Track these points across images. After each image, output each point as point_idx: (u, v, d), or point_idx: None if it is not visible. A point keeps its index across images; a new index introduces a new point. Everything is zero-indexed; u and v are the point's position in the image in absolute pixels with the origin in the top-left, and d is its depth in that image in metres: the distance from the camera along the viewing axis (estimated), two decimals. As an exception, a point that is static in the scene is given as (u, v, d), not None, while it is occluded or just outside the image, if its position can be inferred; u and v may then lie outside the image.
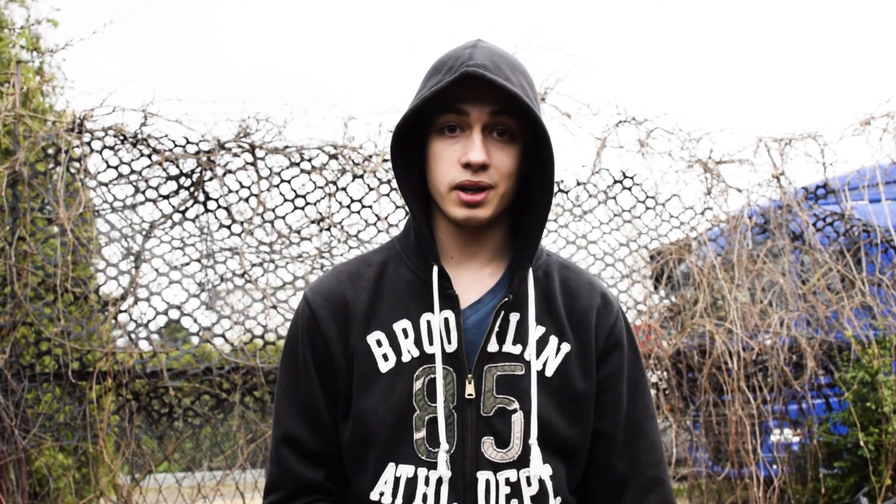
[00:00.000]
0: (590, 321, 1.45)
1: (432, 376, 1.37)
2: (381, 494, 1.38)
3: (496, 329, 1.39)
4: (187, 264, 4.26)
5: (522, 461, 1.37)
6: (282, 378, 1.46)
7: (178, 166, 4.33)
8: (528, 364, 1.40)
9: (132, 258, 4.12)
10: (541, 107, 1.45)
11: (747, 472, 4.48)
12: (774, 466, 4.68)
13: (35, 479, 4.35)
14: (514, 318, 1.41)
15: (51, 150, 4.12)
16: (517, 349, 1.40)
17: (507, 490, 1.36)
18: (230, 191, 4.42)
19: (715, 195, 5.31)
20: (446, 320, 1.39)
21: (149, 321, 4.06)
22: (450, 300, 1.39)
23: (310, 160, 4.57)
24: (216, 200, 4.40)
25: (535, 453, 1.36)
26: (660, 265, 5.12)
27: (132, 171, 4.27)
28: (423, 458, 1.36)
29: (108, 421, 3.82)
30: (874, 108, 5.47)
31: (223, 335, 4.19)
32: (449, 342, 1.38)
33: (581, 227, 5.09)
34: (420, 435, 1.36)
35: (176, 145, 4.32)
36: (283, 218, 4.53)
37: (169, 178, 4.33)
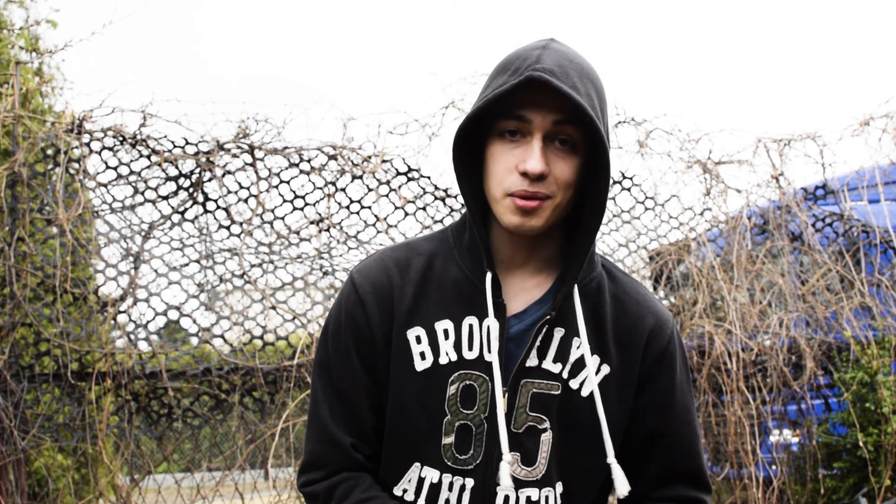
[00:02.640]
0: (638, 344, 1.40)
1: (468, 382, 1.35)
2: (405, 491, 1.38)
3: (537, 344, 1.36)
4: (186, 265, 4.26)
5: (546, 481, 1.36)
6: (321, 358, 1.44)
7: (177, 167, 4.33)
8: (566, 383, 1.37)
9: (131, 259, 4.12)
10: (608, 115, 1.39)
11: (746, 473, 4.48)
12: (774, 467, 4.68)
13: (34, 479, 4.35)
14: (559, 334, 1.37)
15: (50, 151, 4.12)
16: (557, 367, 1.37)
17: None
18: (229, 192, 4.43)
19: (714, 196, 5.31)
20: (489, 328, 1.35)
21: (148, 322, 4.06)
22: (497, 308, 1.35)
23: (309, 161, 4.57)
24: (215, 201, 4.40)
25: (617, 472, 1.36)
26: (659, 266, 5.12)
27: (131, 172, 4.27)
28: (450, 463, 1.35)
29: (108, 422, 3.82)
30: (873, 109, 5.48)
31: (222, 336, 4.19)
32: (489, 351, 1.35)
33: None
34: (448, 440, 1.35)
35: (175, 146, 4.32)
36: (283, 219, 4.53)
37: (168, 178, 4.33)
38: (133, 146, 4.26)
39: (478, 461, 1.35)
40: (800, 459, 4.75)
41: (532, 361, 1.36)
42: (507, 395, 1.34)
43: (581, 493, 1.40)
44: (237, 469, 4.05)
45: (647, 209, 5.24)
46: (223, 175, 4.40)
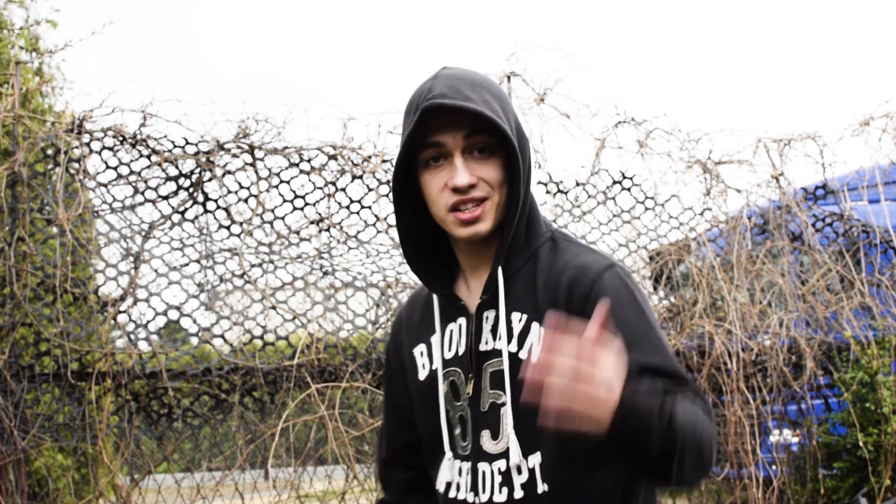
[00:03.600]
0: (562, 296, 1.46)
1: (451, 378, 1.55)
2: (448, 485, 1.57)
3: (486, 328, 1.52)
4: (186, 265, 4.26)
5: (513, 452, 1.48)
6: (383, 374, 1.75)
7: (177, 167, 4.33)
8: (514, 356, 1.49)
9: (131, 259, 4.12)
10: (512, 110, 1.54)
11: (746, 473, 4.48)
12: (774, 467, 4.68)
13: (34, 479, 4.35)
14: (500, 313, 1.51)
15: (50, 151, 4.12)
16: (505, 344, 1.49)
17: (500, 479, 1.49)
18: (229, 191, 4.43)
19: (714, 196, 5.31)
20: (460, 327, 1.56)
21: (148, 322, 4.06)
22: (459, 310, 1.56)
23: (309, 161, 4.57)
24: (215, 201, 4.40)
25: (513, 443, 1.47)
26: (659, 266, 5.12)
27: (131, 172, 4.27)
28: (459, 452, 1.55)
29: (108, 421, 3.83)
30: (873, 109, 5.48)
31: (222, 336, 4.19)
32: (460, 346, 1.55)
33: (580, 227, 5.09)
34: (457, 431, 1.55)
35: (175, 146, 4.32)
36: (283, 219, 4.53)
37: (168, 178, 4.33)
38: (133, 146, 4.26)
39: (469, 445, 1.53)
40: (800, 459, 4.75)
41: (486, 345, 1.52)
42: (472, 381, 1.51)
43: (566, 461, 1.44)
44: (237, 469, 4.05)
45: (647, 209, 5.23)
46: (223, 175, 4.40)
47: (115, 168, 4.25)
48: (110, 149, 4.25)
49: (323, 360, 4.05)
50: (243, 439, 4.10)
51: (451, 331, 1.57)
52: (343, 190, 4.64)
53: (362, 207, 4.65)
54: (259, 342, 4.20)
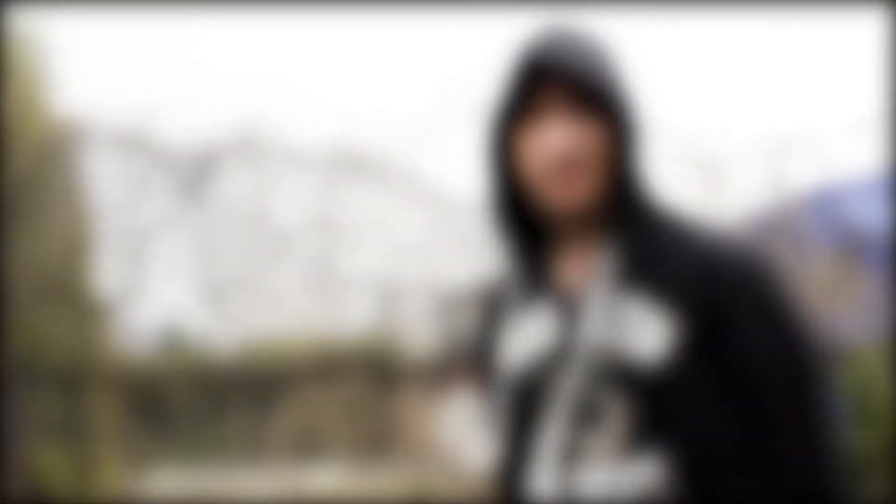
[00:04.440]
0: (687, 294, 1.25)
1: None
2: None
3: (599, 313, 1.28)
4: (187, 265, 4.27)
5: None
6: None
7: (177, 167, 4.34)
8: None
9: (132, 259, 4.12)
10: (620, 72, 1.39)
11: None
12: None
13: (34, 480, 4.36)
14: (599, 298, 1.31)
15: (51, 151, 4.12)
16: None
17: None
18: (230, 192, 4.43)
19: (714, 195, 5.31)
20: (551, 313, 1.33)
21: (148, 322, 4.06)
22: (556, 295, 1.33)
23: (311, 160, 4.57)
24: (216, 201, 4.40)
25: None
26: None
27: (132, 172, 4.27)
28: None
29: (107, 421, 3.83)
30: (873, 108, 5.48)
31: (223, 336, 4.19)
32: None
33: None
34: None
35: (175, 146, 4.32)
36: (284, 218, 4.53)
37: (168, 178, 4.33)
38: (133, 146, 4.26)
39: None
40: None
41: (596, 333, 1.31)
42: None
43: None
44: (237, 468, 4.06)
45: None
46: (224, 174, 4.40)
47: (116, 168, 4.25)
48: (111, 148, 4.25)
49: (323, 360, 4.06)
50: (244, 439, 4.11)
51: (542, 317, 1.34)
52: (343, 190, 4.64)
53: (364, 207, 4.65)
54: (259, 342, 4.20)
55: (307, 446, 4.12)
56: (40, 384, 3.82)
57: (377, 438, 4.21)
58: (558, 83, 1.34)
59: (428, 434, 4.33)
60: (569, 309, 1.33)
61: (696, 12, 4.95)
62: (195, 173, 4.36)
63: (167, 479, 4.47)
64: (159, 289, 4.15)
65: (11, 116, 4.01)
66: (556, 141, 1.36)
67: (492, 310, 1.42)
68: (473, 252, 4.18)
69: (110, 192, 4.25)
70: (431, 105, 4.68)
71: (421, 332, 4.45)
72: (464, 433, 4.19)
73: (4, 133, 4.02)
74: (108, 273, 4.12)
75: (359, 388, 4.05)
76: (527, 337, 1.34)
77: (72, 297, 3.96)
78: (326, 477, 4.24)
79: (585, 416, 1.23)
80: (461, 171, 4.63)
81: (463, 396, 4.23)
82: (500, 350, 1.37)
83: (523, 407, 1.31)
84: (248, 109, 4.43)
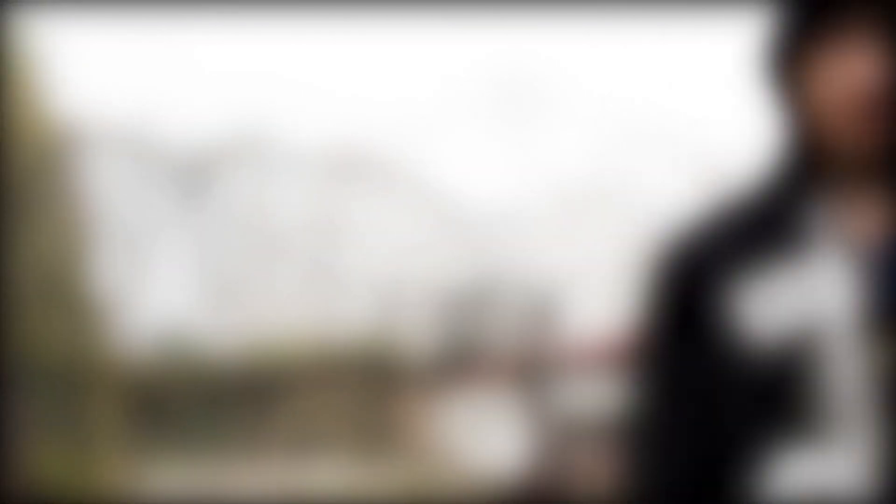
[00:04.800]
0: None
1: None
2: None
3: None
4: (187, 266, 4.27)
5: None
6: None
7: (177, 167, 4.34)
8: None
9: (132, 260, 4.12)
10: None
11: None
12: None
13: (34, 479, 4.36)
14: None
15: (52, 152, 4.12)
16: None
17: None
18: (230, 192, 4.43)
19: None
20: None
21: (148, 322, 4.06)
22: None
23: (311, 161, 4.57)
24: (217, 202, 4.40)
25: None
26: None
27: (133, 174, 4.27)
28: None
29: (107, 421, 3.83)
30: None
31: (223, 336, 4.20)
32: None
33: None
34: None
35: (175, 146, 4.32)
36: (284, 219, 4.52)
37: (169, 179, 4.33)
38: (134, 148, 4.26)
39: None
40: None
41: None
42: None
43: None
44: (237, 468, 4.06)
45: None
46: (226, 174, 4.40)
47: (117, 167, 4.26)
48: (112, 148, 4.25)
49: (323, 360, 4.06)
50: (245, 439, 4.11)
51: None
52: (343, 190, 4.64)
53: (364, 207, 4.65)
54: (262, 342, 4.20)
55: (307, 445, 4.12)
56: (40, 384, 3.82)
57: (377, 438, 4.21)
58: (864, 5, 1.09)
59: (428, 434, 4.34)
60: (869, 265, 1.04)
61: None
62: (195, 175, 4.36)
63: (167, 478, 4.47)
64: (159, 289, 4.15)
65: (13, 118, 4.01)
66: (864, 74, 1.07)
67: (694, 266, 1.07)
68: (473, 252, 4.18)
69: (111, 193, 4.25)
70: (432, 106, 4.69)
71: (421, 333, 4.45)
72: (464, 433, 4.19)
73: (6, 134, 4.02)
74: (108, 273, 4.12)
75: (358, 387, 4.05)
76: (799, 296, 1.02)
77: (72, 297, 3.96)
78: (326, 476, 4.24)
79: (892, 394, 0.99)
80: (462, 171, 4.63)
81: (462, 396, 4.23)
82: (735, 313, 1.00)
83: (779, 384, 1.02)
84: (248, 111, 4.43)
